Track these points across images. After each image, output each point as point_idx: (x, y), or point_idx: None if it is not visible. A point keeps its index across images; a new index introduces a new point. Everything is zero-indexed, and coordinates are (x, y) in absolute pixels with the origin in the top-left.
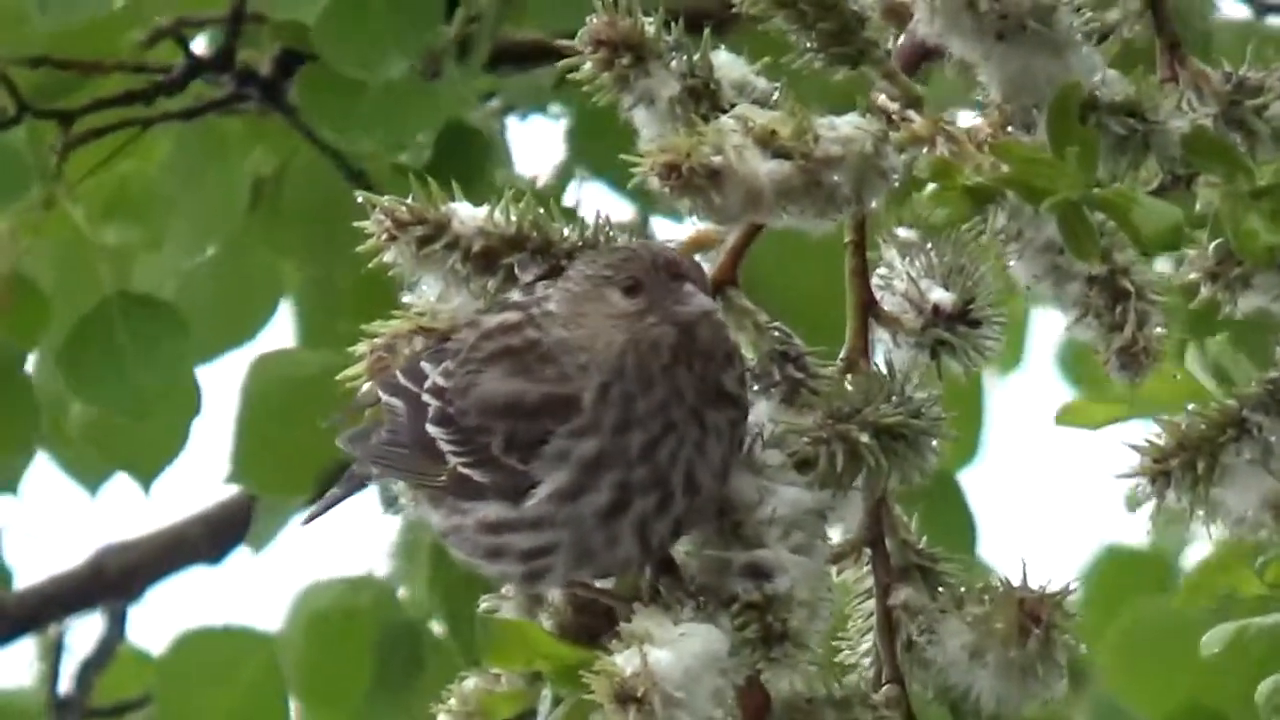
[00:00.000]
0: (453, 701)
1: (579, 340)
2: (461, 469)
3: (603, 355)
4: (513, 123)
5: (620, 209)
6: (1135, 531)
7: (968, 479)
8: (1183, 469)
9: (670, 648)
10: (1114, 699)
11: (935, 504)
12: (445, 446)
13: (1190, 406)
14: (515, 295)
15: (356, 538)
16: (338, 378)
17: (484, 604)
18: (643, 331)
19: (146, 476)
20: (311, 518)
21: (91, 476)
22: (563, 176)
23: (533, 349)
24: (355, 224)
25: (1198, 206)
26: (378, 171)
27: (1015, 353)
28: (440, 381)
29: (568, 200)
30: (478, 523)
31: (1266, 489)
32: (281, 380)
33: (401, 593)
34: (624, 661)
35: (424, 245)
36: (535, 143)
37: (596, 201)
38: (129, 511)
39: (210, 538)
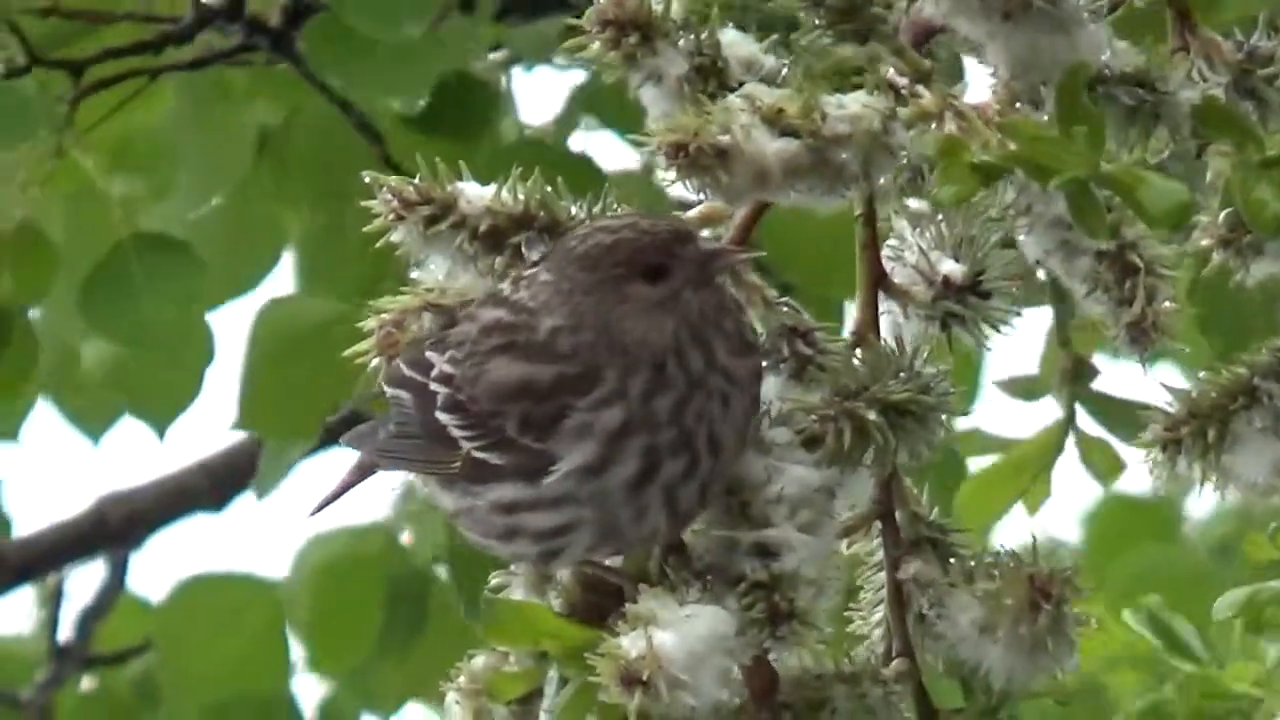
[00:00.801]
0: (462, 679)
1: (609, 344)
2: (476, 453)
3: (656, 343)
4: (518, 74)
5: (626, 157)
6: (1136, 481)
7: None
8: (1193, 437)
9: (675, 629)
10: None
11: (937, 473)
12: (457, 432)
13: (1201, 374)
14: (505, 288)
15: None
16: (345, 354)
17: (493, 580)
18: (686, 308)
19: (162, 422)
20: (320, 508)
21: (95, 425)
22: (565, 126)
23: (540, 346)
24: (362, 204)
25: (1208, 176)
26: (384, 121)
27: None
28: (448, 369)
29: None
30: (491, 504)
31: (1277, 456)
32: (288, 326)
33: (405, 537)
34: (629, 644)
35: (431, 224)
36: (541, 94)
37: (600, 149)
38: (131, 460)
39: (213, 486)
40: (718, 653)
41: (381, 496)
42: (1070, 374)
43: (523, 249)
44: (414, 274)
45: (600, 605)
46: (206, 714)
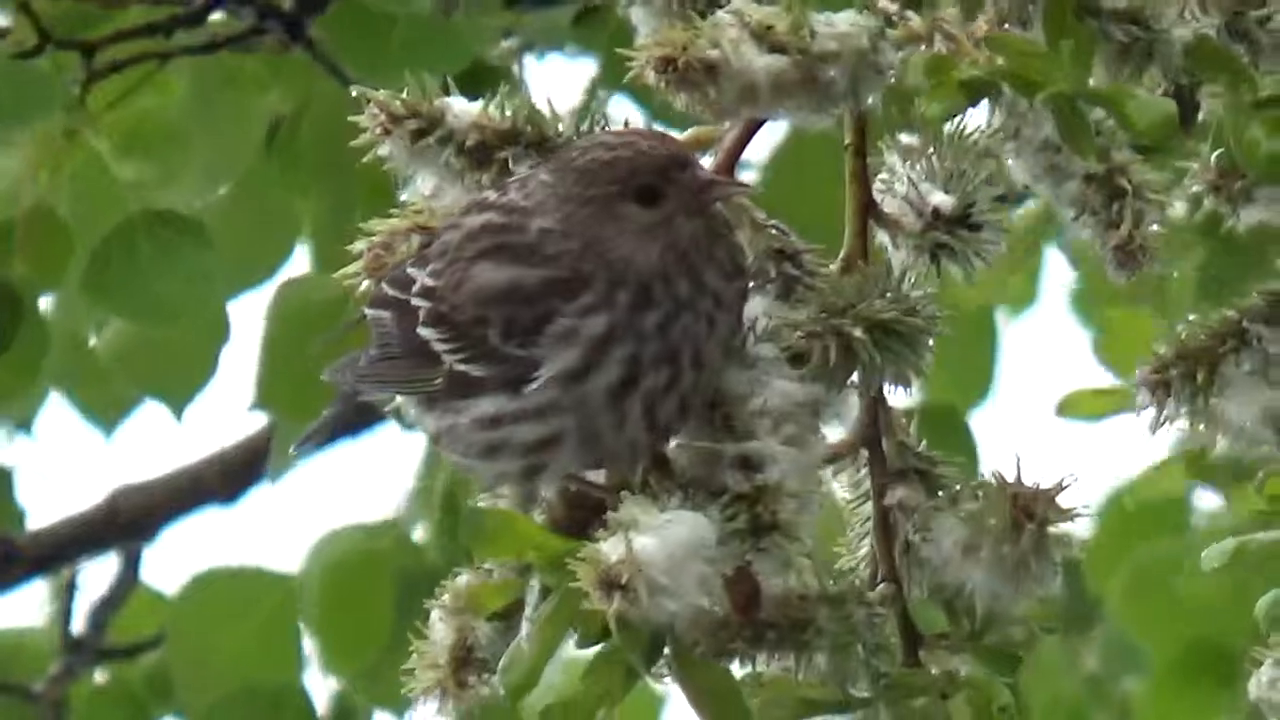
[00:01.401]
0: (446, 597)
1: (596, 257)
2: (458, 366)
3: (643, 266)
4: (530, 62)
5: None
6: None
7: (979, 419)
8: (1182, 379)
9: (655, 534)
10: (1124, 638)
11: (941, 440)
12: (440, 346)
13: (1191, 317)
14: (491, 195)
15: (371, 480)
16: (335, 275)
17: (479, 501)
18: (676, 234)
19: (178, 403)
20: (305, 442)
21: (107, 418)
22: (584, 114)
23: (528, 247)
24: (351, 118)
25: (1200, 117)
26: None
27: (1029, 292)
28: (430, 282)
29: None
30: (474, 420)
31: (1266, 401)
32: (303, 305)
33: (418, 535)
34: (609, 548)
35: (418, 139)
36: (553, 82)
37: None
38: (143, 453)
39: (225, 478)
40: (698, 558)
41: (393, 493)
42: None
43: (510, 164)
44: (402, 195)
45: (584, 520)
46: (219, 706)
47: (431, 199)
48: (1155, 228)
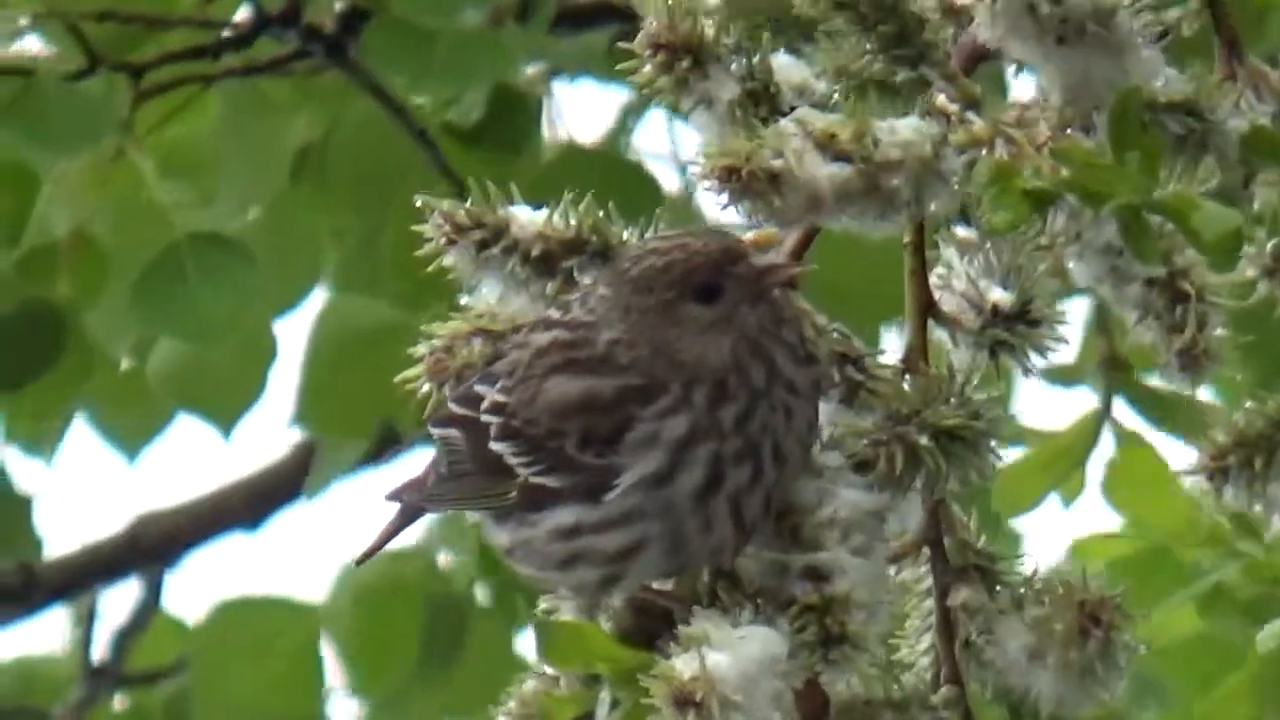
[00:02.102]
0: (512, 704)
1: (667, 360)
2: (533, 479)
3: (714, 361)
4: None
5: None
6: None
7: None
8: (1240, 465)
9: (728, 650)
10: (1154, 677)
11: (983, 499)
12: (513, 460)
13: (1248, 404)
14: (555, 313)
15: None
16: (395, 380)
17: (543, 605)
18: (742, 324)
19: (227, 423)
20: (366, 557)
21: (132, 443)
22: (616, 138)
23: (599, 359)
24: (413, 228)
25: (1255, 205)
26: (432, 130)
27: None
28: (500, 398)
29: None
30: (550, 532)
31: None
32: (348, 328)
33: (443, 559)
34: (682, 665)
35: (483, 249)
36: (584, 107)
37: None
38: (165, 479)
39: (249, 505)
40: (770, 674)
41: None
42: (1109, 361)
43: (575, 273)
44: (465, 299)
45: (651, 629)
46: None
47: (498, 305)
48: (1219, 331)
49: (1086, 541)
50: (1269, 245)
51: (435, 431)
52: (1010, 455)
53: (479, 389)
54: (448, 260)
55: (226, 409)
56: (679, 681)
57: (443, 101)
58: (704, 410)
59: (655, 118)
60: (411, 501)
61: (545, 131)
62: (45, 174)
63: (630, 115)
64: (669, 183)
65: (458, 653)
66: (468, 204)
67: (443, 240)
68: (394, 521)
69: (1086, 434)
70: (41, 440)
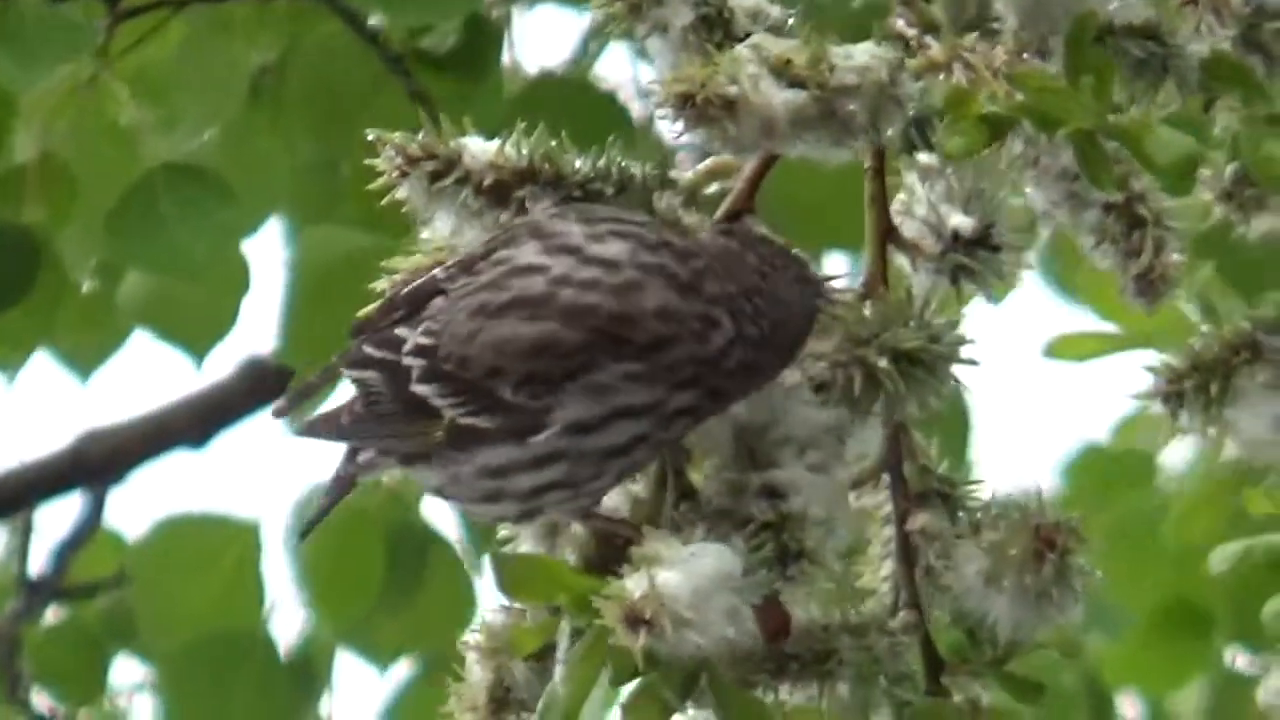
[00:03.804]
0: (480, 636)
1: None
2: (461, 420)
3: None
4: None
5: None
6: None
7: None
8: (1196, 391)
9: (679, 568)
10: (1097, 593)
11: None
12: (439, 402)
13: (1204, 329)
14: (513, 253)
15: None
16: (359, 315)
17: (501, 534)
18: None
19: (200, 352)
20: (308, 530)
21: (85, 365)
22: (580, 65)
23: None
24: (366, 161)
25: (1215, 130)
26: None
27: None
28: (425, 340)
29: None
30: (478, 469)
31: (1279, 411)
32: (326, 256)
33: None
34: (632, 584)
35: (435, 180)
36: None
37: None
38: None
39: (196, 422)
40: (723, 590)
41: None
42: None
43: (527, 203)
44: (423, 233)
45: (614, 557)
46: (185, 653)
47: (452, 237)
48: (1175, 256)
49: (1063, 341)
50: (1227, 170)
51: (350, 374)
52: None
53: (399, 332)
54: (400, 193)
55: (200, 338)
56: (629, 601)
57: (411, 30)
58: (665, 394)
59: (617, 46)
60: (326, 437)
61: (506, 58)
62: (19, 97)
63: (591, 42)
64: (632, 109)
65: (420, 582)
66: (420, 136)
67: (395, 173)
68: (332, 492)
69: None
70: (7, 362)
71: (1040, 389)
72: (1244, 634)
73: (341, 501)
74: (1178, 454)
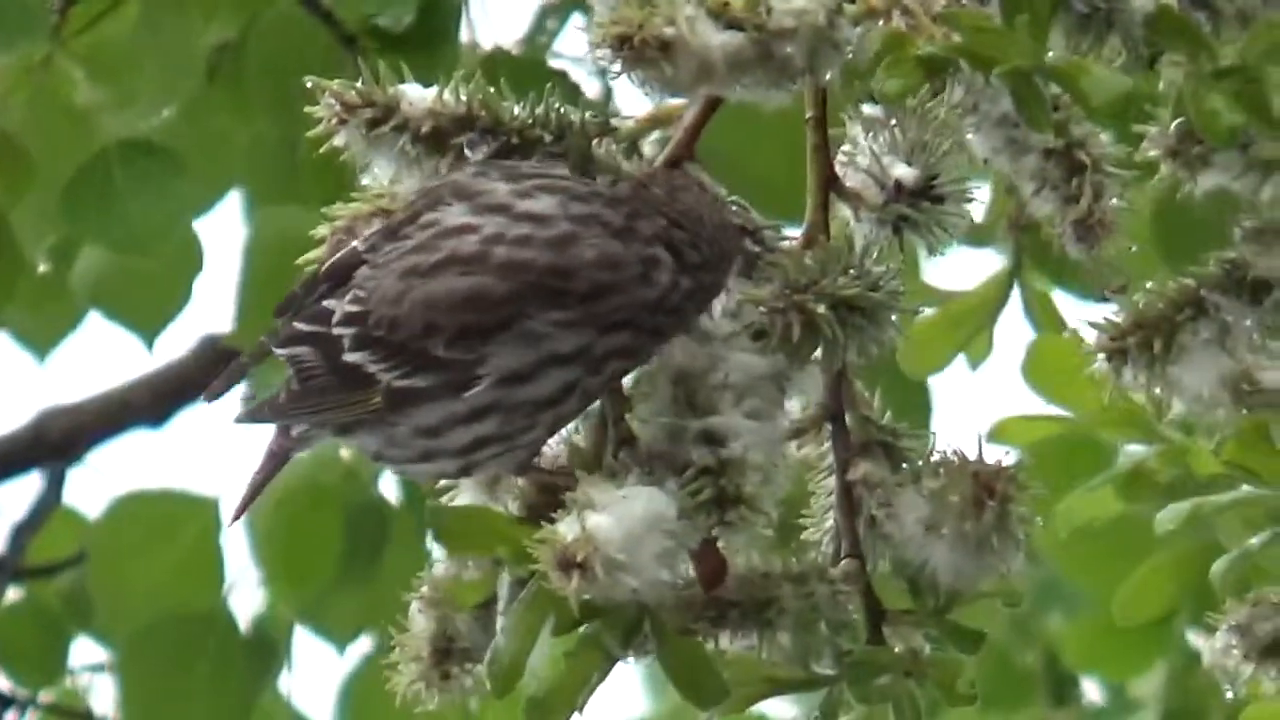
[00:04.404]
0: (425, 589)
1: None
2: (396, 383)
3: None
4: None
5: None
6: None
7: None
8: (1139, 348)
9: (610, 511)
10: (1056, 573)
11: (893, 379)
12: (373, 368)
13: (1148, 285)
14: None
15: None
16: (298, 261)
17: (439, 483)
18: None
19: (151, 333)
20: (240, 512)
21: (41, 344)
22: (534, 41)
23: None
24: (306, 109)
25: (1160, 85)
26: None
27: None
28: (354, 308)
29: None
30: (414, 429)
31: (1224, 368)
32: (280, 238)
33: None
34: (565, 529)
35: (373, 127)
36: (501, 9)
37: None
38: (71, 374)
39: (154, 401)
40: (656, 533)
41: None
42: (1017, 222)
43: (465, 150)
44: (363, 180)
45: (556, 505)
46: (144, 632)
47: (390, 185)
48: (1115, 202)
49: (1007, 423)
50: (1172, 126)
51: (281, 353)
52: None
53: (327, 304)
54: (339, 140)
55: (151, 318)
56: (561, 544)
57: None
58: (594, 337)
59: (575, 22)
60: (265, 420)
61: (464, 36)
62: None
63: (548, 18)
64: (590, 88)
65: (378, 558)
66: (359, 84)
67: (334, 120)
68: (265, 468)
69: (995, 294)
70: None
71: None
72: (1202, 617)
73: (296, 476)
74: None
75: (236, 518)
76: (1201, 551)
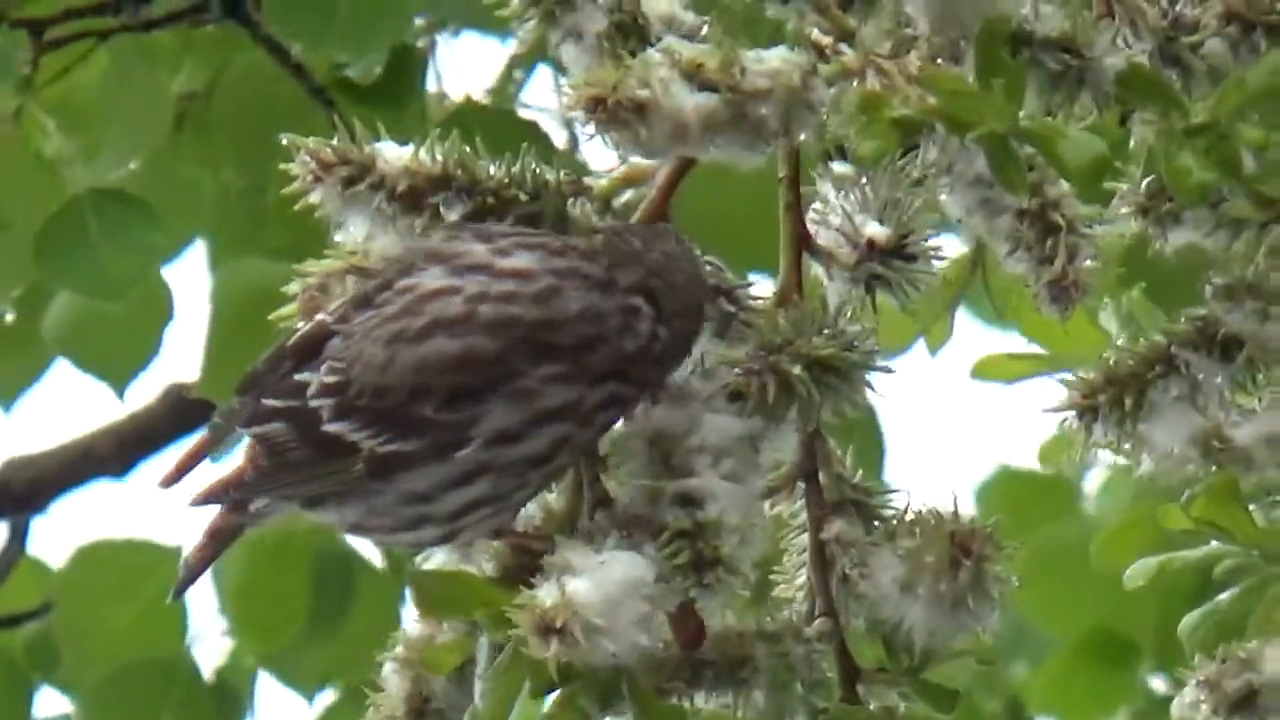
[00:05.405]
0: (399, 648)
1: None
2: (380, 449)
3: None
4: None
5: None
6: (1027, 454)
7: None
8: (1110, 405)
9: (588, 576)
10: (1022, 621)
11: (860, 435)
12: (355, 436)
13: (1119, 342)
14: (419, 280)
15: None
16: (270, 317)
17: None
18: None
19: (120, 382)
20: (182, 589)
21: (6, 393)
22: (502, 92)
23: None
24: (281, 165)
25: (1131, 143)
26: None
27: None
28: (332, 379)
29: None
30: (402, 495)
31: (1194, 425)
32: (246, 289)
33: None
34: (544, 593)
35: (349, 185)
36: (467, 60)
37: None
38: (34, 424)
39: (118, 451)
40: (634, 597)
41: None
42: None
43: (441, 209)
44: (336, 237)
45: (532, 567)
46: (109, 682)
47: (365, 243)
48: (1089, 263)
49: (988, 360)
50: (1143, 184)
51: (251, 432)
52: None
53: (300, 378)
54: (314, 198)
55: (120, 367)
56: (540, 609)
57: (334, 60)
58: (586, 386)
59: (543, 74)
60: (224, 500)
61: (431, 85)
62: None
63: (516, 69)
64: (557, 138)
65: (346, 609)
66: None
67: (309, 178)
68: (206, 548)
69: (955, 278)
70: None
71: (962, 413)
72: (1167, 663)
73: (265, 529)
74: (1098, 479)
75: (177, 597)
76: (1163, 597)
